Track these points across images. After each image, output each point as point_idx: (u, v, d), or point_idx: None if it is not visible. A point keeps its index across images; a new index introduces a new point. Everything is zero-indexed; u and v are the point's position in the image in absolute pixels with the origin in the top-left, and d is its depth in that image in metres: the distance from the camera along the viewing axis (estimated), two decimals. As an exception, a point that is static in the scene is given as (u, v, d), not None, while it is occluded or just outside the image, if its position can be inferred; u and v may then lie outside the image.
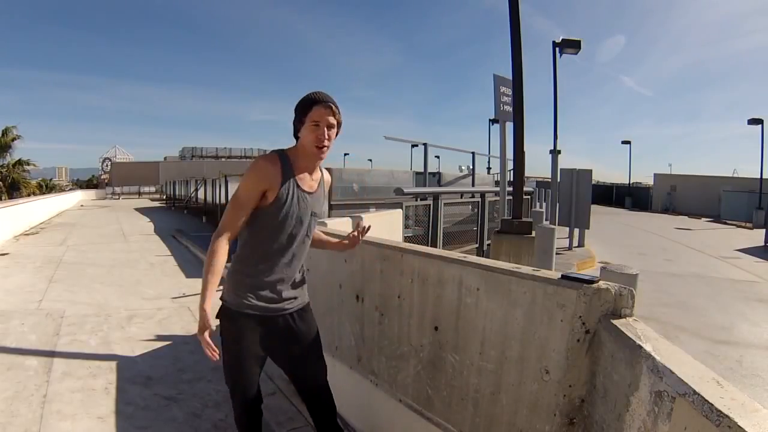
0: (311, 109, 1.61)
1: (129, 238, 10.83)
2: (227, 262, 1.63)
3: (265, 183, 1.61)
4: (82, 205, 24.24)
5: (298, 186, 1.66)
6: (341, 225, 2.10)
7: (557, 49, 11.57)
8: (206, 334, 1.54)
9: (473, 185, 10.56)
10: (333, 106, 1.62)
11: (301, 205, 1.67)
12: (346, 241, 1.98)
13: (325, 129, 1.61)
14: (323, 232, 2.09)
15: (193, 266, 7.34)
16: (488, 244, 7.03)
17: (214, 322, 1.58)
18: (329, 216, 4.15)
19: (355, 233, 1.96)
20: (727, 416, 0.81)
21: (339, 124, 1.68)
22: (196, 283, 6.12)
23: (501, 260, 2.13)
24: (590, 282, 1.37)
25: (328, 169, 2.28)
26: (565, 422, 1.41)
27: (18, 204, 12.45)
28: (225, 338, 1.72)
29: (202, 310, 1.54)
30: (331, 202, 5.75)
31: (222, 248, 1.59)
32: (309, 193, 1.71)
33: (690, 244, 12.48)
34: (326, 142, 1.63)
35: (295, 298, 1.78)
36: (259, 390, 1.81)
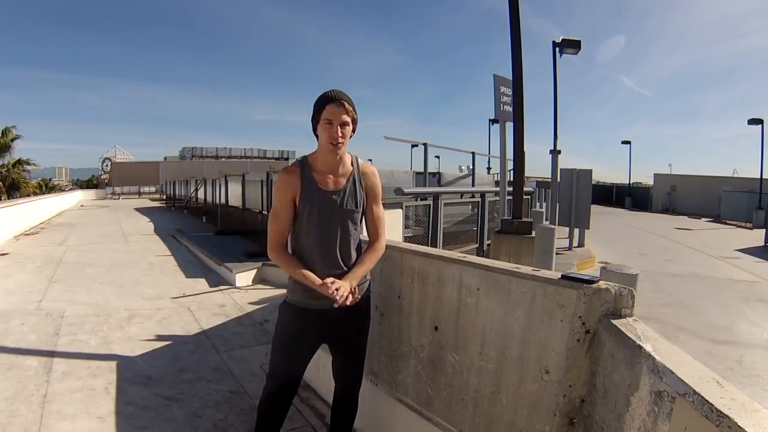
0: (325, 107, 1.68)
1: (129, 238, 10.83)
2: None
3: (288, 191, 1.74)
4: (82, 205, 24.24)
5: (318, 187, 1.74)
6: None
7: (557, 49, 11.55)
8: (327, 282, 1.65)
9: (473, 185, 10.54)
10: (346, 104, 1.67)
11: (323, 205, 1.73)
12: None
13: (339, 127, 1.67)
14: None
15: (193, 266, 7.34)
16: (488, 244, 7.02)
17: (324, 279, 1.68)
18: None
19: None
20: (727, 416, 0.81)
21: (354, 121, 1.73)
22: (196, 283, 6.14)
23: (501, 260, 2.13)
24: (590, 282, 1.37)
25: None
26: (565, 422, 1.41)
27: (18, 204, 12.44)
28: (276, 326, 1.86)
29: (314, 284, 1.67)
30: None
31: (280, 254, 1.75)
32: (334, 191, 1.75)
33: (690, 244, 12.47)
34: (340, 139, 1.68)
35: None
36: (293, 384, 1.86)
